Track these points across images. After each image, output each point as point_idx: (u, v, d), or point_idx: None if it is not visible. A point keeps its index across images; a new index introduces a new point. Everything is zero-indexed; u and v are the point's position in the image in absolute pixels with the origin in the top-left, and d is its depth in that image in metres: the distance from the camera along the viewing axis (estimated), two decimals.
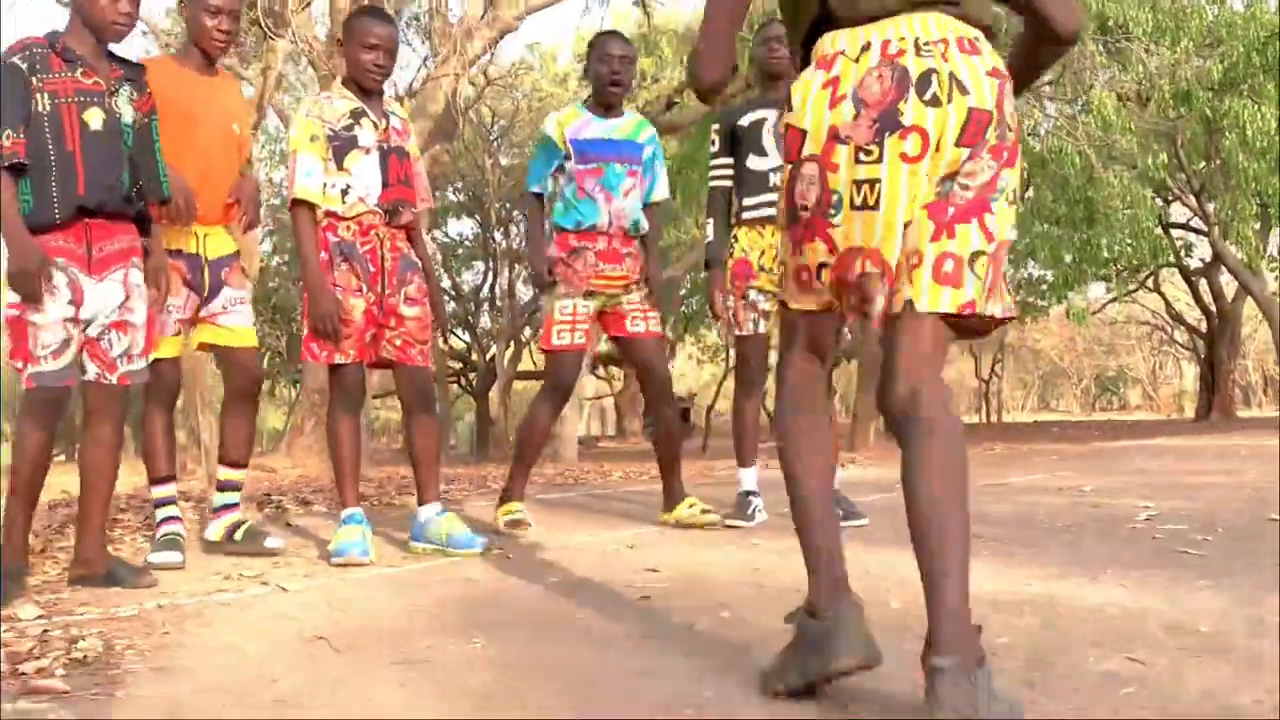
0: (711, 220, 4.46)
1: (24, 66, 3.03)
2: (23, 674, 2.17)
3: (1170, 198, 19.10)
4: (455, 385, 26.19)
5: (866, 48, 1.85)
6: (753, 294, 4.34)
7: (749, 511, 4.38)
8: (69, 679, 2.14)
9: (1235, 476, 6.31)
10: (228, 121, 3.68)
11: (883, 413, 1.82)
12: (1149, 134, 12.62)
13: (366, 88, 3.73)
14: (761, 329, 4.37)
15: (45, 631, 2.57)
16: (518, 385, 25.06)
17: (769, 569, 3.29)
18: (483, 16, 12.47)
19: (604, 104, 4.27)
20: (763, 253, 4.33)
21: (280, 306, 23.10)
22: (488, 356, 23.90)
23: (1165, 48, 11.97)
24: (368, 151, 3.67)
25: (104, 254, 3.14)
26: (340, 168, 3.64)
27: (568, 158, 4.21)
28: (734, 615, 2.65)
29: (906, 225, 1.81)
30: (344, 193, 3.64)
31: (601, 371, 28.32)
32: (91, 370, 3.17)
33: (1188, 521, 4.15)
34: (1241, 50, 12.35)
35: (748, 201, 4.37)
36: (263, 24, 8.81)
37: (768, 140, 4.36)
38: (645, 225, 4.37)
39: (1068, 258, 14.28)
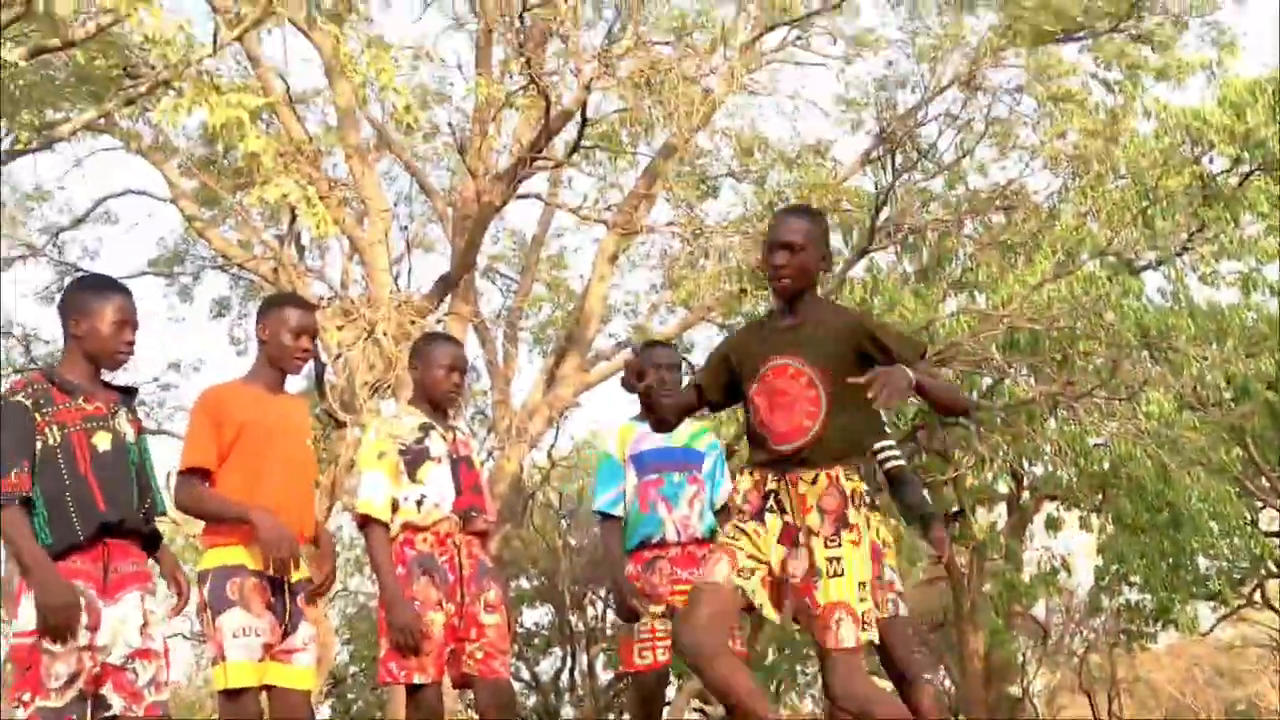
0: None
1: (28, 404, 3.06)
2: None
3: (1259, 504, 18.59)
4: None
5: None
6: (888, 571, 4.22)
7: None
8: None
9: None
10: (301, 439, 3.69)
11: None
12: (1216, 432, 12.51)
13: (445, 407, 3.83)
14: (903, 610, 4.20)
15: None
16: None
17: None
18: (544, 395, 13.03)
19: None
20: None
21: (358, 718, 22.53)
22: None
23: (1212, 349, 12.13)
24: (439, 461, 3.71)
25: (119, 575, 3.07)
26: (414, 479, 3.66)
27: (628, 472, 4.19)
28: None
29: None
30: (419, 503, 3.64)
31: None
32: (117, 703, 2.99)
33: None
34: None
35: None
36: (334, 413, 9.24)
37: None
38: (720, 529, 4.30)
39: (1163, 566, 13.75)
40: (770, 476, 3.12)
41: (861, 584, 2.97)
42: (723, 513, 4.33)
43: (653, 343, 4.51)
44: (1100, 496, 13.24)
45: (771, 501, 3.08)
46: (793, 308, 3.16)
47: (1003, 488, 15.20)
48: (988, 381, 12.65)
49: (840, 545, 2.97)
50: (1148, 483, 11.86)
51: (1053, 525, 15.29)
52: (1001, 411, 12.09)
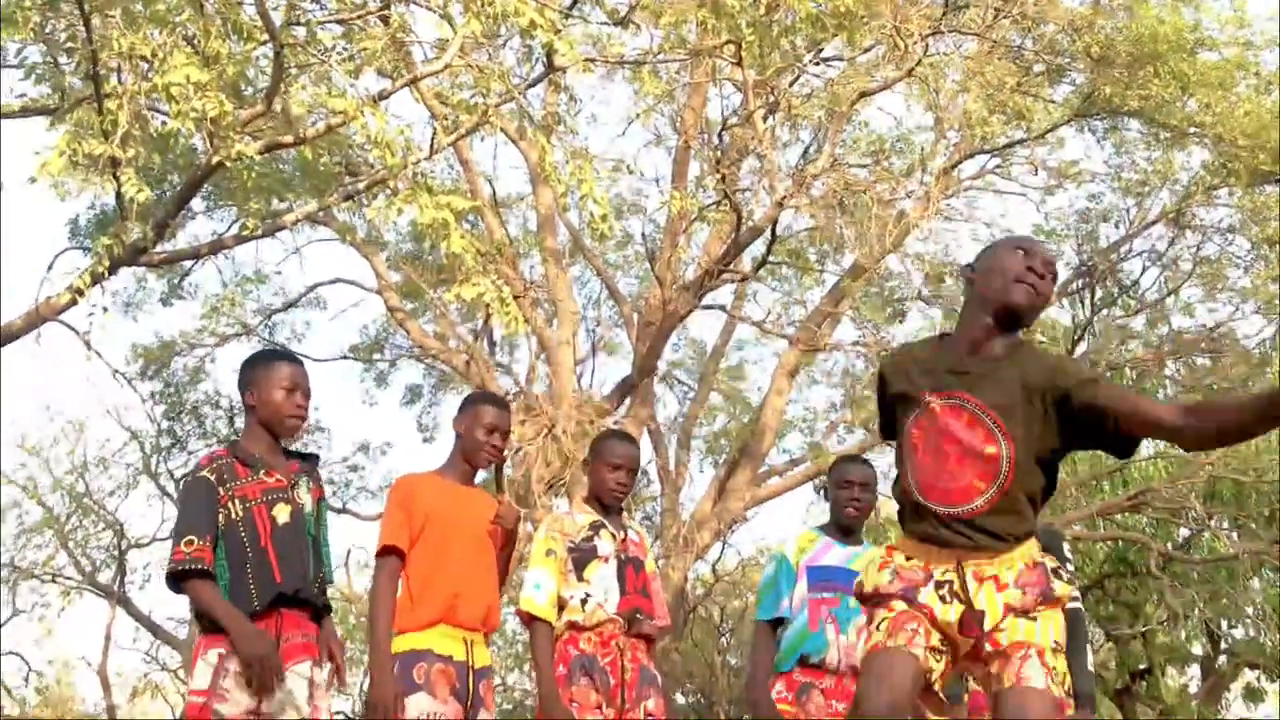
0: None
1: (213, 479, 3.20)
2: None
3: None
4: None
5: None
6: None
7: None
8: None
9: None
10: (484, 530, 3.75)
11: None
12: None
13: (607, 504, 3.84)
14: None
15: None
16: None
17: None
18: (714, 507, 12.95)
19: (842, 529, 4.14)
20: None
21: None
22: None
23: None
24: (606, 560, 3.71)
25: (290, 644, 3.16)
26: (580, 578, 3.67)
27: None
28: None
29: None
30: (583, 602, 3.64)
31: None
32: None
33: None
34: None
35: None
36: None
37: None
38: None
39: None
40: (936, 559, 2.50)
41: (1057, 643, 2.44)
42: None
43: (846, 459, 4.40)
44: None
45: (944, 591, 2.48)
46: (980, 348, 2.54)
47: (1197, 649, 14.16)
48: (1185, 533, 11.91)
49: (1037, 615, 2.45)
50: None
51: (1253, 696, 14.13)
52: (1199, 566, 11.33)
